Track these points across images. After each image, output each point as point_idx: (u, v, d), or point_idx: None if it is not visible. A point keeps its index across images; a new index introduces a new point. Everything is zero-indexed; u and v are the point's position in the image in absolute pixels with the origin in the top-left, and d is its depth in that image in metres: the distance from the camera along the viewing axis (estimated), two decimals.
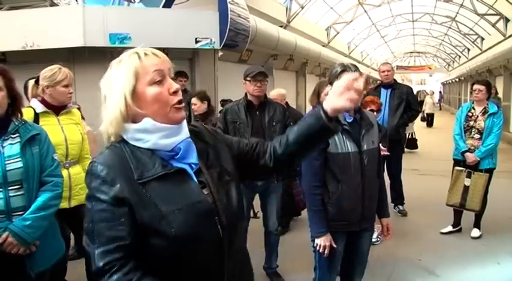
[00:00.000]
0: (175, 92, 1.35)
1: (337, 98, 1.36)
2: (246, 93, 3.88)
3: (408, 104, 5.94)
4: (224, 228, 1.35)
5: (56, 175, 2.52)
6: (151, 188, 1.29)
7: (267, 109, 3.85)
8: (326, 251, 2.74)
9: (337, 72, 2.69)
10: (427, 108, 20.51)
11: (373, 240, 3.49)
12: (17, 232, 2.25)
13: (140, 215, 1.26)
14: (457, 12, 21.40)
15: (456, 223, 5.24)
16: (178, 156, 1.35)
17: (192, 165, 1.38)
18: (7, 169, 2.27)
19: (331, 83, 2.75)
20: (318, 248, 2.77)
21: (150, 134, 1.33)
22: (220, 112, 4.21)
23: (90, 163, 1.35)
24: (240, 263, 1.49)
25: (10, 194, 2.29)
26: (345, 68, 2.69)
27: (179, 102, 1.36)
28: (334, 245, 2.76)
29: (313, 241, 2.87)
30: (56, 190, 2.49)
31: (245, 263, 1.56)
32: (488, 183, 4.90)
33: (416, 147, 11.59)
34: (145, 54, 1.36)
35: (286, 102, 5.54)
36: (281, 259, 4.14)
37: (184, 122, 1.40)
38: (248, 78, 3.77)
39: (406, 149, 9.25)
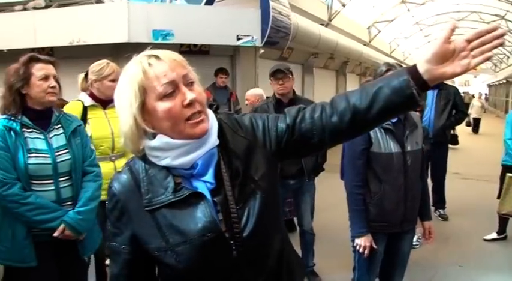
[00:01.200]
0: (190, 104, 1.15)
1: (439, 59, 1.13)
2: (274, 92, 3.88)
3: (455, 105, 5.76)
4: (241, 251, 1.21)
5: (95, 164, 2.60)
6: (160, 215, 1.19)
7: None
8: (366, 252, 2.69)
9: (382, 72, 2.64)
10: (473, 112, 18.27)
11: (413, 243, 3.40)
12: (73, 225, 2.33)
13: (146, 246, 1.21)
14: (507, 10, 20.63)
15: (501, 230, 5.01)
16: (195, 172, 1.20)
17: (208, 183, 1.21)
18: (57, 160, 2.32)
19: None
20: (357, 248, 2.72)
21: (165, 152, 1.18)
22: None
23: (109, 184, 1.27)
24: (274, 279, 1.32)
25: (60, 185, 2.35)
26: (390, 67, 2.65)
27: (197, 113, 1.16)
28: (375, 246, 2.71)
29: (352, 240, 2.82)
30: (98, 180, 2.56)
31: (283, 276, 1.35)
32: None
33: (457, 143, 11.18)
34: (150, 64, 1.16)
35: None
36: (319, 258, 4.08)
37: (212, 130, 1.21)
38: (271, 78, 3.78)
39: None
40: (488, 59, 1.10)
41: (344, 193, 2.84)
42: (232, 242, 1.20)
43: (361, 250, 2.70)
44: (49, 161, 2.30)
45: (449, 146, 10.26)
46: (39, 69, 2.30)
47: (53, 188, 2.33)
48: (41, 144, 2.31)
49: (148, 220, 1.19)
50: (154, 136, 1.19)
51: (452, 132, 11.11)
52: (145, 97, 1.15)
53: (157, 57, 1.18)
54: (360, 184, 2.73)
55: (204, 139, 1.19)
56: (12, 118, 2.28)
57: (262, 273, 1.27)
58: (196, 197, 1.19)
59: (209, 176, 1.21)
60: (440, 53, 1.12)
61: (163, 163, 1.19)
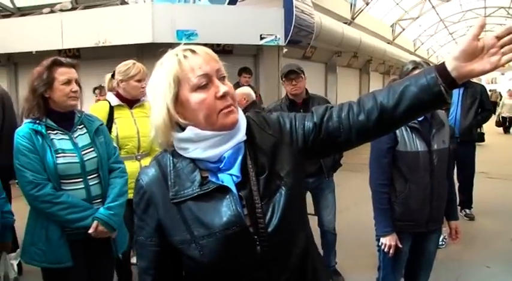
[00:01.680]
0: (223, 96, 1.18)
1: (468, 56, 1.11)
2: (286, 93, 3.83)
3: (481, 103, 5.65)
4: (266, 247, 1.20)
5: (120, 161, 2.63)
6: (186, 208, 1.19)
7: (310, 106, 3.68)
8: (391, 251, 2.67)
9: (409, 70, 2.62)
10: (505, 111, 16.88)
11: (439, 243, 3.34)
12: (106, 220, 2.36)
13: (171, 239, 1.22)
14: None
15: None
16: (222, 166, 1.21)
17: (234, 177, 1.21)
18: (84, 159, 2.36)
19: None
20: (383, 247, 2.70)
21: (195, 144, 1.20)
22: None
23: (137, 177, 1.29)
24: (299, 276, 1.31)
25: (90, 183, 2.39)
26: (416, 65, 2.62)
27: (228, 106, 1.19)
28: (400, 245, 2.68)
29: (378, 240, 2.80)
30: (124, 175, 2.59)
31: (308, 274, 1.34)
32: None
33: (483, 140, 10.87)
34: (185, 56, 1.19)
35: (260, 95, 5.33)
36: (341, 258, 4.05)
37: (241, 123, 1.24)
38: (283, 79, 3.72)
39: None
40: None
41: (367, 192, 2.82)
42: (256, 237, 1.19)
43: (386, 249, 2.68)
44: (77, 160, 2.34)
45: (476, 143, 10.03)
46: (62, 74, 2.33)
47: (82, 186, 2.37)
48: (67, 144, 2.35)
49: (174, 212, 1.20)
50: (183, 129, 1.21)
51: (479, 130, 10.87)
52: (179, 88, 1.18)
53: (192, 50, 1.20)
54: (386, 183, 2.71)
55: (233, 133, 1.20)
56: (37, 121, 2.32)
57: (286, 270, 1.26)
58: (222, 191, 1.19)
59: (235, 170, 1.21)
60: (469, 50, 1.11)
61: (192, 155, 1.21)
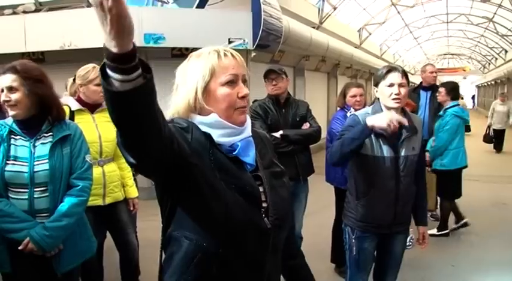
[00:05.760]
0: (243, 97, 1.39)
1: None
2: (268, 94, 3.97)
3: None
4: (272, 224, 1.39)
5: (85, 177, 2.47)
6: (217, 157, 1.34)
7: (290, 106, 3.96)
8: (395, 124, 2.41)
9: (383, 73, 2.65)
10: (497, 121, 12.37)
11: (406, 244, 3.40)
12: (37, 240, 2.24)
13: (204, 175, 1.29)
14: (495, 13, 20.82)
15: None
16: (235, 152, 1.38)
17: (247, 165, 1.41)
18: (34, 170, 2.27)
19: (376, 85, 2.70)
20: (387, 126, 2.43)
21: (213, 129, 1.36)
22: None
23: (171, 119, 1.37)
24: (278, 262, 1.52)
25: (35, 196, 2.28)
26: (390, 69, 2.66)
27: (244, 107, 1.40)
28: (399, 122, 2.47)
29: (346, 243, 2.84)
30: (81, 196, 2.42)
31: (280, 263, 1.56)
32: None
33: (468, 130, 10.39)
34: (225, 54, 1.39)
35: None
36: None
37: (248, 123, 1.45)
38: (265, 79, 3.90)
39: None
40: None
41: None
42: (263, 210, 1.40)
43: (394, 123, 2.41)
44: (26, 169, 2.26)
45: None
46: None
47: (26, 197, 2.27)
48: (23, 152, 2.28)
49: (208, 158, 1.32)
50: (200, 114, 1.39)
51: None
52: (211, 79, 1.37)
53: (230, 52, 1.41)
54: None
55: (243, 129, 1.42)
56: (3, 124, 2.28)
57: (276, 252, 1.48)
58: (240, 164, 1.39)
59: (251, 158, 1.41)
60: None
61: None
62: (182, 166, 1.21)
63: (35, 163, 2.27)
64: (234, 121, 1.39)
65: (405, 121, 2.46)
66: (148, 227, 3.44)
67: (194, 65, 1.40)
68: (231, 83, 1.38)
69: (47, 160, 2.30)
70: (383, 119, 2.44)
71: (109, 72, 0.98)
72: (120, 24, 0.92)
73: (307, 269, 1.74)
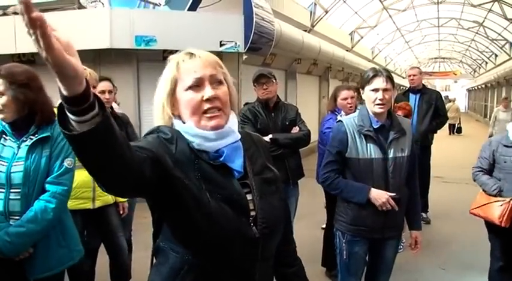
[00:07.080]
0: (207, 99, 1.32)
1: None
2: (257, 98, 3.97)
3: (436, 109, 5.84)
4: (260, 232, 1.34)
5: (60, 183, 2.31)
6: (201, 167, 1.30)
7: (280, 110, 3.97)
8: (388, 206, 2.62)
9: (369, 77, 2.65)
10: (499, 130, 9.96)
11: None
12: None
13: (183, 180, 1.25)
14: (485, 17, 21.00)
15: None
16: (222, 159, 1.33)
17: (235, 172, 1.35)
18: (11, 170, 2.24)
19: (362, 88, 2.71)
20: (378, 204, 2.63)
21: (191, 137, 1.33)
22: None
23: (157, 127, 1.36)
24: (269, 270, 1.48)
25: (10, 197, 2.23)
26: (376, 73, 2.65)
27: (216, 109, 1.33)
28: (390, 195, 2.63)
29: (337, 247, 2.83)
30: (50, 202, 2.26)
31: (271, 270, 1.53)
32: None
33: (460, 131, 10.33)
34: (184, 60, 1.36)
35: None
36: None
37: (233, 126, 1.39)
38: (254, 84, 3.89)
39: None
40: None
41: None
42: (251, 219, 1.34)
43: (385, 205, 2.62)
44: (4, 170, 2.23)
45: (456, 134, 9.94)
46: None
47: (1, 198, 2.23)
48: (8, 152, 2.26)
49: (190, 164, 1.29)
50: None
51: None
52: (175, 86, 1.36)
53: (192, 55, 1.37)
54: (330, 169, 2.77)
55: (225, 133, 1.35)
56: None
57: (267, 260, 1.43)
58: (228, 170, 1.34)
59: (238, 165, 1.35)
60: None
61: (193, 144, 1.32)
62: (165, 180, 1.20)
63: (14, 164, 2.24)
64: (204, 127, 1.32)
65: (396, 208, 2.64)
66: (145, 229, 3.42)
67: (164, 73, 1.39)
68: (196, 87, 1.33)
69: (22, 162, 2.26)
70: (380, 200, 2.60)
71: (66, 112, 0.95)
72: (60, 71, 0.90)
73: (303, 279, 1.67)
